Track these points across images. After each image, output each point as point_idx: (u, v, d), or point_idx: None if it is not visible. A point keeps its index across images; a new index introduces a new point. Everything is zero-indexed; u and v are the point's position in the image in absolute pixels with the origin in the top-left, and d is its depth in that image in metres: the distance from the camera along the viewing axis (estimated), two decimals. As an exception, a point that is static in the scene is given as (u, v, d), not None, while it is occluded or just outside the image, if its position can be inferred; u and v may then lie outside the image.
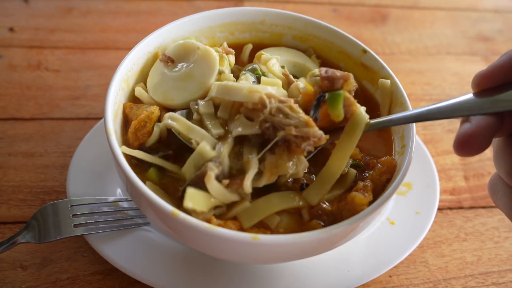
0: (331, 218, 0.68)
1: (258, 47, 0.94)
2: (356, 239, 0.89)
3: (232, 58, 0.84)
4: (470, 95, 0.62)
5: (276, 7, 1.41)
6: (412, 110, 0.71)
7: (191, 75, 0.80)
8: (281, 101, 0.67)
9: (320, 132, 0.66)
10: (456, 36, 1.43)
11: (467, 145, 0.59)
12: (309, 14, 1.41)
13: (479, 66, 1.34)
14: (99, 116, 1.07)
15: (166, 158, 0.75)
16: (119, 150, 0.69)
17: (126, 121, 0.79)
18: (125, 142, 0.77)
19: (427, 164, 1.01)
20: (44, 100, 1.09)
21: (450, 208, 1.01)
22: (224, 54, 0.83)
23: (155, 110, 0.78)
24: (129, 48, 1.22)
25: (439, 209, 1.00)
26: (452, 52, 1.38)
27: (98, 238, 0.82)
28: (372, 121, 0.72)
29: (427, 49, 1.38)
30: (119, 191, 0.91)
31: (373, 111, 0.86)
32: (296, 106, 0.67)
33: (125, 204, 0.88)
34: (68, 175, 0.90)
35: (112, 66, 1.19)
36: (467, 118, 0.61)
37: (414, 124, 0.79)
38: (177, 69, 0.82)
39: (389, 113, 0.85)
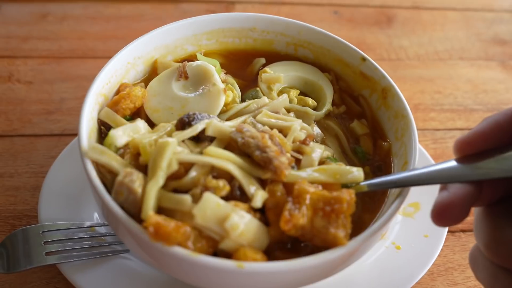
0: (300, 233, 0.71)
1: (251, 53, 0.98)
2: (359, 265, 0.91)
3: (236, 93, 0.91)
4: (451, 161, 0.68)
5: (271, 9, 1.46)
6: (391, 175, 0.78)
7: (191, 106, 0.85)
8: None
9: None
10: (470, 39, 1.47)
11: (444, 215, 0.63)
12: (307, 16, 1.45)
13: (495, 72, 1.37)
14: (75, 132, 1.08)
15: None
16: (94, 173, 0.72)
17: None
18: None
19: (437, 182, 1.03)
20: (15, 115, 1.12)
21: (463, 231, 1.03)
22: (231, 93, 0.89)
23: (137, 89, 0.85)
24: (108, 57, 1.25)
25: (451, 231, 1.02)
26: (466, 57, 1.42)
27: (73, 267, 0.84)
28: (351, 186, 0.77)
29: (437, 54, 1.41)
30: (95, 215, 0.93)
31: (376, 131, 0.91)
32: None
33: (102, 230, 0.90)
34: (40, 197, 0.92)
35: (90, 77, 1.22)
36: (445, 186, 0.65)
37: (417, 139, 0.82)
38: (183, 85, 0.87)
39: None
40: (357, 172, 0.76)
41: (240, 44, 0.99)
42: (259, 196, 0.69)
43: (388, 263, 0.92)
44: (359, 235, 0.71)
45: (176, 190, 0.71)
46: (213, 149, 0.72)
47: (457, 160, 0.67)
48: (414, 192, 1.00)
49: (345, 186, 0.77)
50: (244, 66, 0.98)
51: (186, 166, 0.71)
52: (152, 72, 0.94)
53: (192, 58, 0.96)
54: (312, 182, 0.73)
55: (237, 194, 0.71)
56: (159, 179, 0.68)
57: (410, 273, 0.90)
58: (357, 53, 0.93)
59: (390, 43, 1.42)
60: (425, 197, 1.00)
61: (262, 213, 0.72)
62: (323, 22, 1.44)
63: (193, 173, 0.70)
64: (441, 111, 1.26)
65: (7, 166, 1.03)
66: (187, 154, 0.72)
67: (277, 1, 1.49)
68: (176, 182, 0.70)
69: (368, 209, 0.81)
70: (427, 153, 1.08)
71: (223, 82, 0.89)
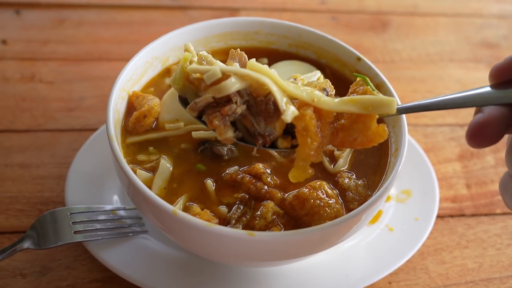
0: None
1: (255, 53, 1.08)
2: (356, 245, 1.02)
3: None
4: (486, 87, 0.68)
5: (273, 15, 1.57)
6: (425, 100, 0.77)
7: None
8: None
9: None
10: (460, 43, 1.58)
11: (479, 135, 0.64)
12: (307, 22, 1.57)
13: (483, 73, 1.49)
14: (94, 127, 1.20)
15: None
16: (121, 155, 0.83)
17: (130, 108, 0.95)
18: (124, 128, 0.93)
19: (427, 172, 1.14)
20: (39, 112, 1.23)
21: (451, 216, 1.14)
22: None
23: (156, 105, 0.93)
24: (122, 59, 1.39)
25: (440, 216, 1.13)
26: (455, 59, 1.53)
27: (97, 245, 0.95)
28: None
29: (429, 56, 1.53)
30: (115, 198, 1.04)
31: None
32: None
33: (122, 213, 1.01)
34: (66, 184, 1.03)
35: (106, 77, 1.34)
36: (480, 109, 0.66)
37: (406, 129, 0.92)
38: None
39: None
40: (390, 103, 0.75)
41: (246, 45, 1.10)
42: (290, 111, 0.73)
43: (382, 243, 1.02)
44: (375, 192, 0.81)
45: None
46: (254, 63, 0.77)
47: (492, 86, 0.68)
48: (406, 180, 1.11)
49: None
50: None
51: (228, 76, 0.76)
52: (164, 71, 1.05)
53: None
54: (342, 112, 0.76)
55: (271, 108, 0.75)
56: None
57: (402, 251, 1.00)
58: (353, 53, 1.04)
59: (385, 46, 1.54)
60: (416, 185, 1.12)
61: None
62: (322, 27, 1.56)
63: (232, 80, 0.75)
64: (432, 109, 1.37)
65: (33, 158, 1.14)
66: (229, 65, 0.78)
67: (279, 8, 1.61)
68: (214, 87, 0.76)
69: (376, 172, 0.92)
70: (419, 147, 1.19)
71: None
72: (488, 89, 0.68)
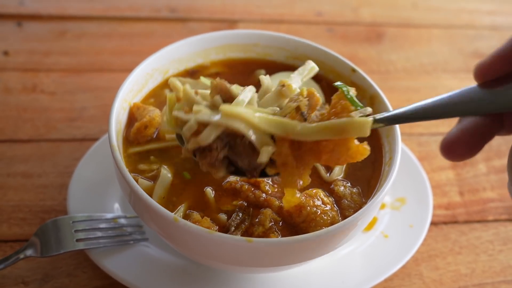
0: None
1: (253, 65, 1.11)
2: (352, 252, 1.04)
3: None
4: (471, 89, 0.65)
5: (271, 27, 1.61)
6: (401, 108, 0.74)
7: None
8: None
9: None
10: (453, 54, 1.62)
11: (450, 151, 0.63)
12: (304, 34, 1.60)
13: (475, 83, 1.51)
14: (96, 137, 1.23)
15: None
16: (123, 164, 0.85)
17: (131, 119, 0.98)
18: (125, 138, 0.95)
19: (421, 180, 1.16)
20: (41, 122, 1.26)
21: (445, 223, 1.17)
22: None
23: (157, 115, 0.95)
24: (123, 70, 1.42)
25: (434, 223, 1.15)
26: (449, 69, 1.57)
27: (99, 253, 0.97)
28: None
29: (423, 67, 1.56)
30: (116, 206, 1.06)
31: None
32: None
33: (123, 221, 1.03)
34: (68, 193, 1.05)
35: (107, 88, 1.36)
36: (461, 118, 0.64)
37: (399, 138, 0.95)
38: None
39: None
40: (362, 127, 0.74)
41: (244, 57, 1.13)
42: (264, 153, 0.76)
43: (378, 250, 1.05)
44: (370, 200, 0.84)
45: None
46: (226, 108, 0.77)
47: (477, 87, 0.63)
48: (400, 189, 1.14)
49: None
50: (245, 75, 1.12)
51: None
52: (163, 82, 1.07)
53: (200, 68, 1.09)
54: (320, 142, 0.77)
55: (249, 149, 0.79)
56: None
57: (397, 257, 1.03)
58: (348, 65, 1.07)
59: (380, 57, 1.57)
60: (411, 193, 1.14)
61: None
62: (318, 38, 1.59)
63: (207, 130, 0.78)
64: (426, 118, 1.40)
65: (35, 167, 1.16)
66: (204, 114, 0.79)
67: (276, 20, 1.64)
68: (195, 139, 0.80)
69: (371, 180, 0.94)
70: (413, 155, 1.22)
71: None
72: (473, 92, 0.65)
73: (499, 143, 1.34)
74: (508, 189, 0.67)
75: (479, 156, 1.31)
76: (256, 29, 1.58)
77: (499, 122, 0.64)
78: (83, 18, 1.55)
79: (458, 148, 0.64)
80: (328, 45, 1.58)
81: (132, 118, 0.99)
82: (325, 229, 0.80)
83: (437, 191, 1.22)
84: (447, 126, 1.38)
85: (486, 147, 1.31)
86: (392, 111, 0.78)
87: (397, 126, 0.96)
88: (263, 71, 1.12)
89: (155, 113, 0.96)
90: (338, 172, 0.95)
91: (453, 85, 1.51)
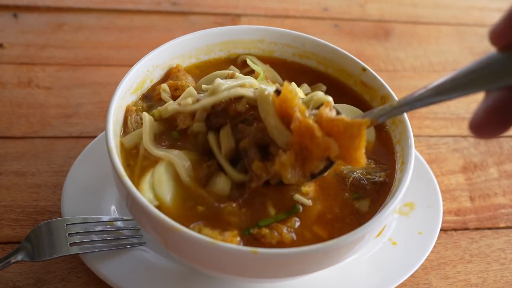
0: None
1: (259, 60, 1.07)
2: (358, 259, 0.99)
3: None
4: (489, 57, 0.60)
5: (275, 22, 1.55)
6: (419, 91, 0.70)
7: None
8: None
9: None
10: (463, 53, 1.56)
11: (480, 129, 0.59)
12: (309, 29, 1.55)
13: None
14: (92, 135, 1.18)
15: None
16: (121, 167, 0.80)
17: (167, 77, 1.00)
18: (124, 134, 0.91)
19: (431, 184, 1.12)
20: (35, 118, 1.20)
21: (455, 229, 1.12)
22: None
23: (192, 86, 0.95)
24: (121, 65, 1.36)
25: (444, 230, 1.11)
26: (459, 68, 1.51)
27: (94, 257, 0.92)
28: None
29: (432, 66, 1.51)
30: (113, 209, 1.01)
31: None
32: None
33: (120, 224, 0.98)
34: (63, 193, 1.00)
35: (105, 83, 1.31)
36: (486, 93, 0.59)
37: (413, 142, 0.90)
38: None
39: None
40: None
41: (249, 53, 1.07)
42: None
43: (385, 257, 1.00)
44: (385, 207, 0.79)
45: None
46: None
47: (497, 54, 0.59)
48: (409, 193, 1.09)
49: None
50: (251, 73, 1.07)
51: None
52: (164, 79, 1.02)
53: (209, 63, 1.05)
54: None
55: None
56: None
57: (406, 266, 0.98)
58: (358, 63, 1.02)
59: (387, 55, 1.52)
60: (420, 197, 1.09)
61: None
62: (324, 34, 1.54)
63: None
64: (435, 119, 1.35)
65: (29, 166, 1.11)
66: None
67: (280, 14, 1.59)
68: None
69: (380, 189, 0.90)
70: (422, 158, 1.17)
71: None
72: (492, 62, 0.59)
73: (511, 145, 1.30)
74: None
75: (490, 160, 1.26)
76: (260, 24, 1.52)
77: None
78: (81, 10, 1.49)
79: (488, 128, 0.59)
80: (334, 41, 1.52)
81: (168, 75, 0.99)
82: (332, 240, 0.76)
83: (446, 196, 1.17)
84: (457, 128, 1.33)
85: (498, 150, 1.29)
86: (408, 96, 0.73)
87: (410, 129, 0.91)
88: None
89: (192, 83, 0.97)
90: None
91: (463, 85, 1.46)
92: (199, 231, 0.76)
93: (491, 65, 0.60)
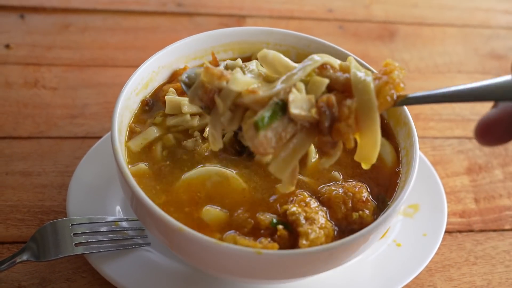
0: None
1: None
2: (362, 261, 0.99)
3: None
4: (506, 77, 0.61)
5: (280, 23, 1.55)
6: (431, 91, 0.73)
7: None
8: None
9: None
10: (468, 54, 1.56)
11: (487, 133, 0.60)
12: (314, 30, 1.54)
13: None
14: (98, 135, 1.18)
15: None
16: (126, 167, 0.80)
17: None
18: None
19: (435, 186, 1.11)
20: (42, 119, 1.21)
21: (459, 231, 1.11)
22: None
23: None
24: (127, 66, 1.37)
25: (448, 232, 1.10)
26: (464, 70, 1.50)
27: (99, 258, 0.92)
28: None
29: (437, 67, 1.50)
30: (118, 209, 1.01)
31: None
32: None
33: (125, 224, 0.98)
34: (68, 194, 1.00)
35: (111, 84, 1.31)
36: (495, 103, 0.60)
37: (417, 143, 0.89)
38: None
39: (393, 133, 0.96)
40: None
41: (254, 54, 1.07)
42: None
43: (390, 259, 0.99)
44: (384, 212, 0.78)
45: None
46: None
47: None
48: (414, 194, 1.09)
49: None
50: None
51: None
52: (170, 79, 1.02)
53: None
54: None
55: None
56: None
57: (410, 268, 0.98)
58: (365, 67, 1.01)
59: (392, 56, 1.51)
60: (424, 199, 1.09)
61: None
62: (329, 36, 1.53)
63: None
64: (439, 121, 1.34)
65: (35, 166, 1.11)
66: None
67: (285, 15, 1.58)
68: None
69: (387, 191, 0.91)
70: (427, 159, 1.17)
71: None
72: (508, 80, 0.60)
73: (516, 148, 1.29)
74: None
75: (495, 161, 1.26)
76: (265, 25, 1.52)
77: None
78: (87, 11, 1.49)
79: (497, 131, 0.60)
80: (339, 42, 1.52)
81: (174, 76, 0.99)
82: (336, 242, 0.75)
83: (451, 197, 1.16)
84: (462, 129, 1.33)
85: (502, 151, 1.28)
86: (425, 92, 0.75)
87: (414, 130, 0.91)
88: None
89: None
90: None
91: (468, 87, 1.45)
92: (235, 242, 0.76)
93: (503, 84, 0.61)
